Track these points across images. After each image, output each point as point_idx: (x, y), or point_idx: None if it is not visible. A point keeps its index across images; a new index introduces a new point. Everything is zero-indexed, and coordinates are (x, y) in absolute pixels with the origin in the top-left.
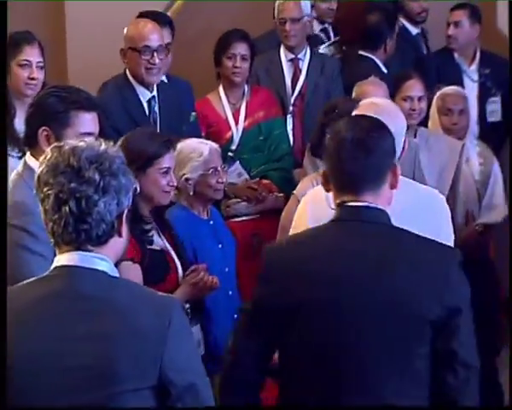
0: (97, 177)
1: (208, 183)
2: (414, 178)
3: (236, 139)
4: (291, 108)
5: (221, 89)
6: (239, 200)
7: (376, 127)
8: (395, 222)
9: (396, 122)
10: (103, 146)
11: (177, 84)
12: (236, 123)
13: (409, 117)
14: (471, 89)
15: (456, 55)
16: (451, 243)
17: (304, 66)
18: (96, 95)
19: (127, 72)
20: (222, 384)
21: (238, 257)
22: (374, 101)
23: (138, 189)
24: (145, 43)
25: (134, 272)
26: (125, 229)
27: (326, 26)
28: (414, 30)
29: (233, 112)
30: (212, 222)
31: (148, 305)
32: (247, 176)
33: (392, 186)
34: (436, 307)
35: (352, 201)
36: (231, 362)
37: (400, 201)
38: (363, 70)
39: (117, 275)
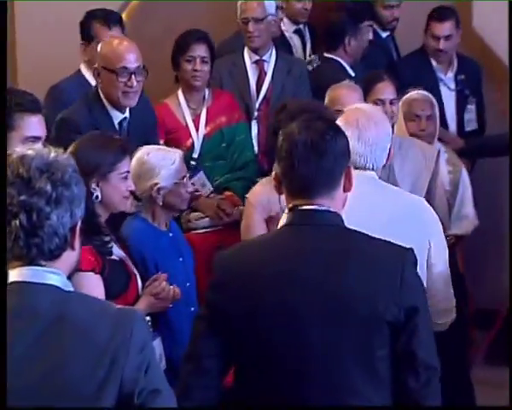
0: (49, 187)
1: (179, 192)
2: None
3: (198, 147)
4: (256, 113)
5: (180, 93)
6: (202, 215)
7: (330, 129)
8: (382, 231)
9: (382, 129)
10: (53, 154)
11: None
12: (197, 129)
13: None
14: (449, 98)
15: (434, 62)
16: (446, 253)
17: (269, 68)
18: (45, 98)
19: (99, 91)
20: (184, 392)
21: (201, 271)
22: (359, 107)
23: (100, 196)
24: (122, 64)
25: (96, 284)
26: (77, 241)
27: (300, 27)
28: (383, 33)
29: (193, 118)
30: (171, 234)
31: (106, 318)
32: (210, 187)
33: (346, 189)
34: (393, 307)
35: (304, 204)
36: (194, 369)
37: (388, 210)
38: (327, 72)
39: (71, 289)
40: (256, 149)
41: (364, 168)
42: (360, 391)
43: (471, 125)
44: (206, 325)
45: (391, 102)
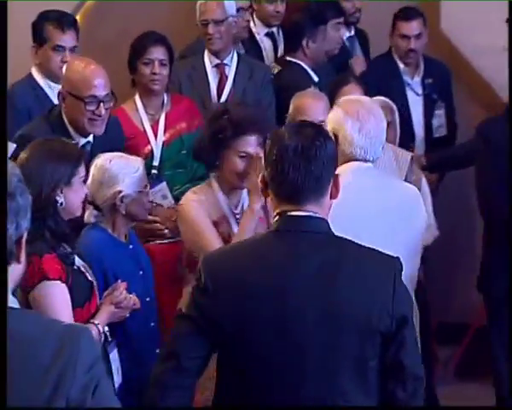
0: None
1: (142, 201)
2: None
3: (157, 154)
4: None
5: (137, 98)
6: (161, 227)
7: (319, 135)
8: (381, 221)
9: (380, 122)
10: None
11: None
12: (156, 136)
13: None
14: (416, 103)
15: (401, 65)
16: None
17: (230, 72)
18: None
19: (63, 114)
20: (161, 390)
21: (162, 282)
22: (358, 98)
23: (64, 203)
24: (91, 92)
25: (63, 292)
26: (23, 254)
27: (273, 30)
28: (346, 32)
29: (151, 124)
30: (131, 246)
31: (52, 336)
32: (171, 200)
33: (333, 196)
34: (386, 317)
35: (293, 210)
36: (173, 367)
37: (384, 200)
38: (287, 76)
39: (16, 306)
40: None
41: (365, 160)
42: (353, 401)
43: (440, 131)
44: (190, 325)
45: None
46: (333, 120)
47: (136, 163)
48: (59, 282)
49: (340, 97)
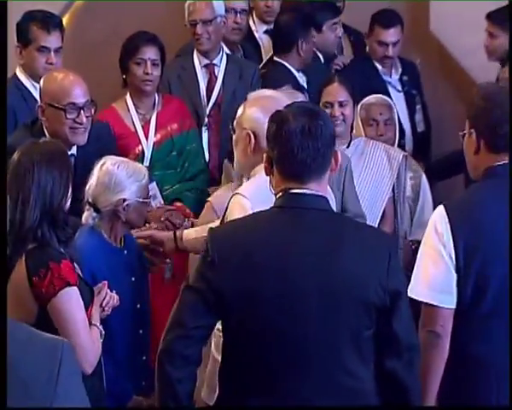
0: None
1: (142, 210)
2: (343, 193)
3: (148, 155)
4: (206, 120)
5: (128, 98)
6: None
7: (321, 115)
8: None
9: None
10: None
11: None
12: (146, 136)
13: None
14: (399, 100)
15: (379, 66)
16: None
17: (220, 72)
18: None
19: (44, 128)
20: (166, 358)
21: (156, 286)
22: (272, 95)
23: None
24: (70, 100)
25: (79, 297)
26: None
27: (272, 27)
28: None
29: (142, 124)
30: (126, 252)
31: (33, 350)
32: (161, 200)
33: (333, 169)
34: (380, 291)
35: (296, 188)
36: (179, 336)
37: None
38: (274, 77)
39: None
40: (207, 156)
41: None
42: (351, 370)
43: (420, 125)
44: (197, 296)
45: (341, 105)
46: (251, 119)
47: (143, 171)
48: (76, 288)
49: (323, 97)
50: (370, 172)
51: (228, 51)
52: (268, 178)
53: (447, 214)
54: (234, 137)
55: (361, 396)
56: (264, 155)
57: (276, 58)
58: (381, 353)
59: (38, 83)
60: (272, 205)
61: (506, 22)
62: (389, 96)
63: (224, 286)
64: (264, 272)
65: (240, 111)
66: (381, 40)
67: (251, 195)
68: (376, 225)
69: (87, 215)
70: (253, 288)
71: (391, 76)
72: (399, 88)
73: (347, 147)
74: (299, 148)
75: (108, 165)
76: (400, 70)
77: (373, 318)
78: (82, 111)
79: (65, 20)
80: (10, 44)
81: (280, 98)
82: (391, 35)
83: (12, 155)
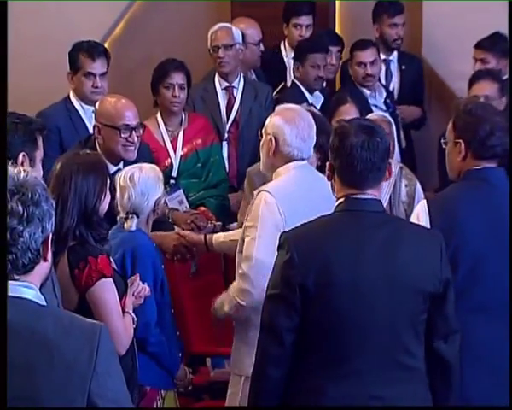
0: (20, 208)
1: (163, 204)
2: None
3: (176, 166)
4: (226, 135)
5: (159, 116)
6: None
7: (378, 131)
8: (323, 202)
9: (312, 128)
10: (23, 174)
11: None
12: (174, 150)
13: None
14: None
15: (364, 90)
16: None
17: (238, 93)
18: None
19: (97, 146)
20: (266, 361)
21: (177, 279)
22: (294, 107)
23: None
24: (124, 121)
25: (114, 288)
26: (49, 252)
27: None
28: None
29: (171, 139)
30: (154, 244)
31: (74, 334)
32: (187, 205)
33: (386, 179)
34: (435, 281)
35: (356, 194)
36: (274, 341)
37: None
38: (286, 96)
39: (43, 303)
40: (227, 167)
41: (301, 159)
42: (410, 350)
43: (403, 143)
44: (283, 303)
45: None
46: (274, 126)
47: (157, 168)
48: (111, 279)
49: (337, 115)
50: None
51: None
52: (292, 178)
53: (428, 207)
54: (261, 141)
55: (418, 373)
56: (327, 164)
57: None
58: (430, 334)
59: (87, 104)
60: (335, 209)
61: (495, 48)
62: None
63: (303, 278)
64: (335, 265)
65: (268, 119)
66: (359, 61)
67: (275, 192)
68: None
69: (130, 223)
70: (326, 278)
71: (376, 98)
72: (384, 109)
73: None
74: (358, 161)
75: (136, 174)
76: (384, 94)
77: (427, 303)
78: (134, 131)
79: None
80: (10, 44)
81: (300, 111)
82: (367, 55)
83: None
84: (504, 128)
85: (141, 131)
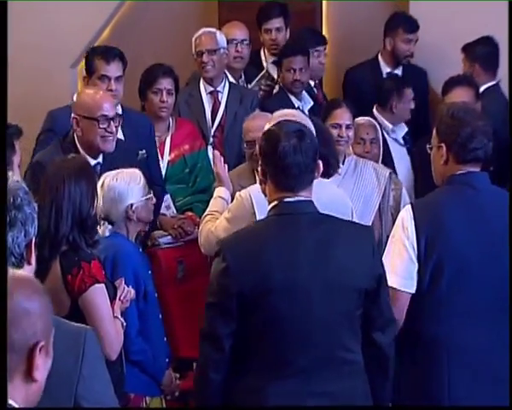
0: None
1: (148, 206)
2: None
3: (163, 172)
4: (211, 140)
5: None
6: (164, 233)
7: (307, 134)
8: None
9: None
10: None
11: (136, 121)
12: (162, 156)
13: (337, 143)
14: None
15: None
16: None
17: (223, 98)
18: (44, 123)
19: (75, 139)
20: (207, 366)
21: (164, 284)
22: (292, 112)
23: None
24: (102, 112)
25: (106, 293)
26: (33, 256)
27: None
28: None
29: (158, 145)
30: (140, 249)
31: (60, 337)
32: (174, 210)
33: (315, 178)
34: (369, 277)
35: (289, 197)
36: (214, 347)
37: (320, 193)
38: (274, 103)
39: None
40: None
41: None
42: (347, 345)
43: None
44: (221, 310)
45: (347, 127)
46: None
47: (137, 174)
48: (104, 285)
49: (331, 119)
50: (361, 188)
51: (231, 78)
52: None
53: (413, 212)
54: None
55: (356, 367)
56: (259, 169)
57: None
58: (367, 328)
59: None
60: (268, 213)
61: (476, 52)
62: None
63: (239, 285)
64: (270, 269)
65: (266, 126)
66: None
67: (255, 194)
68: None
69: (103, 229)
70: (262, 283)
71: (396, 132)
72: (402, 144)
73: (342, 164)
74: (292, 165)
75: (108, 181)
76: (406, 129)
77: (362, 299)
78: (112, 121)
79: None
80: (11, 45)
81: (300, 116)
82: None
83: (42, 169)
84: (486, 132)
85: (118, 121)
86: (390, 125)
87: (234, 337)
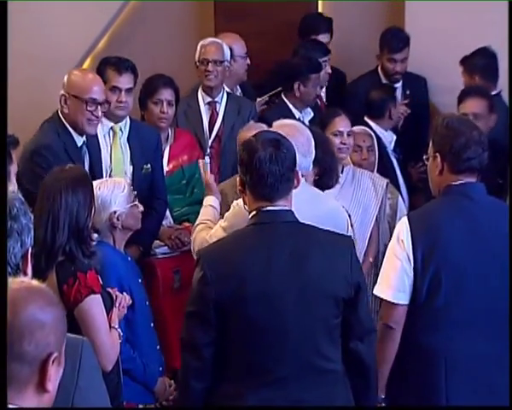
0: None
1: (134, 213)
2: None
3: None
4: (208, 150)
5: None
6: (161, 243)
7: (284, 143)
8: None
9: (311, 142)
10: None
11: (143, 134)
12: None
13: (339, 151)
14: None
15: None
16: None
17: (221, 109)
18: (37, 133)
19: (61, 116)
20: (188, 374)
21: (159, 293)
22: (292, 122)
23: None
24: (91, 95)
25: (101, 304)
26: (29, 267)
27: None
28: None
29: None
30: (129, 258)
31: None
32: (171, 220)
33: (295, 187)
34: (346, 286)
35: (268, 206)
36: (194, 356)
37: (307, 212)
38: (274, 114)
39: None
40: None
41: (301, 175)
42: (325, 354)
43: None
44: (200, 319)
45: (348, 134)
46: None
47: (122, 182)
48: (99, 295)
49: (332, 126)
50: (360, 198)
51: (228, 90)
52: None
53: (409, 224)
54: None
55: (336, 376)
56: (238, 179)
57: (283, 96)
58: (346, 336)
59: (110, 120)
60: (248, 222)
61: (476, 64)
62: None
63: (217, 294)
64: (247, 278)
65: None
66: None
67: None
68: (366, 244)
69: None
70: (240, 291)
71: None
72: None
73: (341, 173)
74: (268, 174)
75: None
76: (394, 137)
77: (340, 308)
78: (99, 106)
79: (87, 62)
80: (11, 44)
81: (299, 126)
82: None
83: (39, 151)
84: (481, 142)
85: (106, 107)
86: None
87: (214, 346)
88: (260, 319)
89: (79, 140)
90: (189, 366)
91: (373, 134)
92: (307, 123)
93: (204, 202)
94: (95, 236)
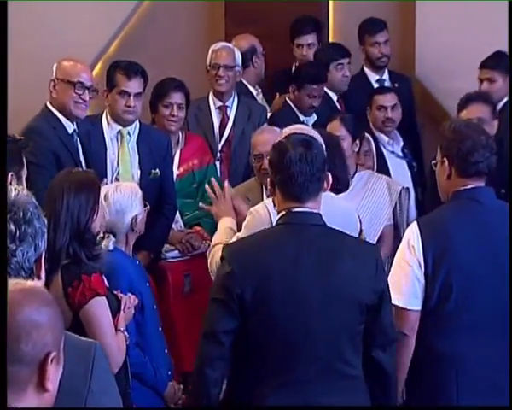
0: (13, 227)
1: (144, 216)
2: None
3: None
4: (218, 154)
5: None
6: (172, 247)
7: (314, 144)
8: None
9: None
10: (14, 193)
11: (152, 139)
12: None
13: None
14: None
15: (382, 135)
16: None
17: (231, 113)
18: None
19: (49, 105)
20: (204, 362)
21: (170, 296)
22: (301, 127)
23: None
24: (80, 79)
25: (107, 306)
26: (43, 271)
27: None
28: None
29: None
30: (137, 262)
31: (68, 352)
32: (181, 224)
33: (325, 190)
34: (370, 292)
35: (297, 207)
36: (213, 342)
37: (331, 211)
38: (281, 118)
39: None
40: None
41: None
42: (347, 359)
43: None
44: (222, 306)
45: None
46: None
47: (136, 187)
48: (104, 297)
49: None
50: (370, 201)
51: (251, 88)
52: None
53: (419, 230)
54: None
55: (356, 382)
56: (268, 179)
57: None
58: (367, 344)
59: (118, 124)
60: (277, 222)
61: (500, 65)
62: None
63: (242, 289)
64: (273, 277)
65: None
66: (380, 105)
67: (271, 205)
68: None
69: (107, 243)
70: (264, 289)
71: (393, 145)
72: (401, 156)
73: (351, 177)
74: (298, 173)
75: (111, 193)
76: (402, 143)
77: (364, 314)
78: (87, 90)
79: (98, 68)
80: (11, 45)
81: (310, 131)
82: (388, 100)
83: (34, 136)
84: (488, 146)
85: (94, 93)
86: (386, 138)
87: (234, 335)
88: (284, 317)
89: (70, 127)
90: (206, 354)
91: (370, 139)
92: (310, 127)
93: (221, 223)
94: (113, 239)
